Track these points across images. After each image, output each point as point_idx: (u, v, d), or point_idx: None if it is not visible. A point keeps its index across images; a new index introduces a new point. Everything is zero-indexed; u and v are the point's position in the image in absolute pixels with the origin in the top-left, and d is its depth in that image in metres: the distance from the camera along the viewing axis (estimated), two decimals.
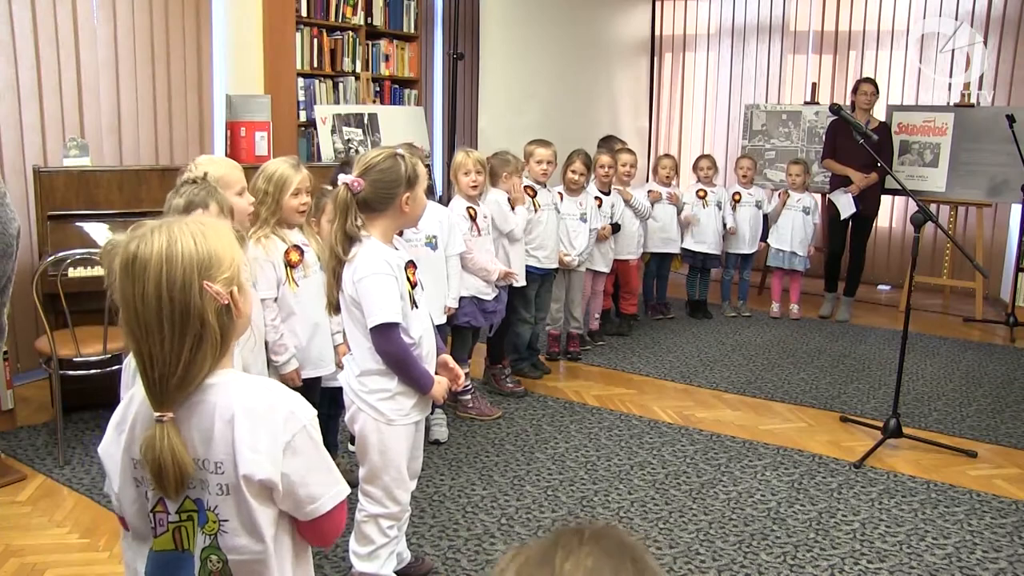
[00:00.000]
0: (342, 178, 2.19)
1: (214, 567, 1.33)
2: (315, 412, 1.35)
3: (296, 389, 2.77)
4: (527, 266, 4.32)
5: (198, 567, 1.33)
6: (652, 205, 5.58)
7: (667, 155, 5.89)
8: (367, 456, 2.33)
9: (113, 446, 1.36)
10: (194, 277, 1.26)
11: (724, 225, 5.84)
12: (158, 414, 1.27)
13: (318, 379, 2.90)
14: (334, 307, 2.30)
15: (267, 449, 1.28)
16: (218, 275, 1.28)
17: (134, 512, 1.37)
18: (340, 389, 3.16)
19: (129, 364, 1.80)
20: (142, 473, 1.32)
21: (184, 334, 1.25)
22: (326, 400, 3.09)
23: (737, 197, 5.89)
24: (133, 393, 1.35)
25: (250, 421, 1.28)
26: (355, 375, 2.30)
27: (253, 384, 1.34)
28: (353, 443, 3.50)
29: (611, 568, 0.74)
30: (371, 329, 2.21)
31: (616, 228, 5.05)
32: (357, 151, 5.29)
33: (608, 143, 5.70)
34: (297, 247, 2.74)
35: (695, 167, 5.92)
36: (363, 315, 2.22)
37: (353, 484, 3.14)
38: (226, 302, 1.29)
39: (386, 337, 2.22)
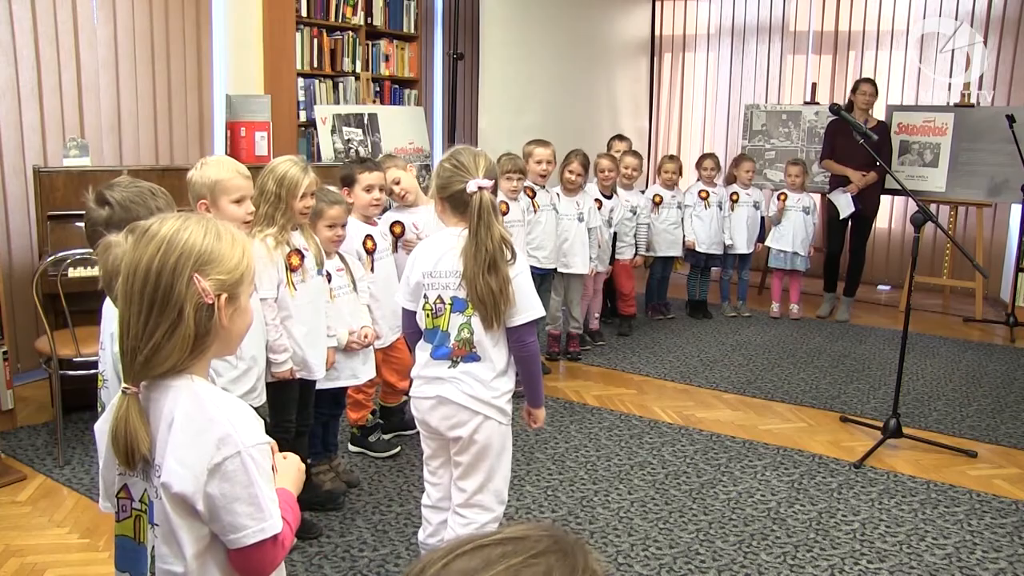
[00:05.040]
0: (480, 183, 2.16)
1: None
2: (265, 440, 1.31)
3: (292, 391, 2.79)
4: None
5: (149, 563, 1.34)
6: (656, 208, 5.59)
7: (671, 157, 5.86)
8: (484, 463, 2.28)
9: (106, 423, 1.40)
10: (187, 265, 1.27)
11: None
12: (124, 386, 1.30)
13: (312, 383, 2.89)
14: (500, 321, 2.22)
15: (192, 464, 1.26)
16: (212, 273, 1.29)
17: (111, 494, 1.41)
18: (342, 390, 3.19)
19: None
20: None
21: (161, 316, 1.27)
22: (327, 401, 3.10)
23: (735, 197, 5.88)
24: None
25: (184, 432, 1.27)
26: (487, 381, 2.25)
27: (205, 396, 1.31)
28: (354, 444, 3.53)
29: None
30: (524, 325, 2.23)
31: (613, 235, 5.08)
32: (357, 151, 5.29)
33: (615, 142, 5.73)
34: (298, 251, 2.73)
35: (698, 166, 5.90)
36: (505, 313, 2.22)
37: (352, 484, 3.17)
38: (209, 301, 1.29)
39: (532, 331, 2.27)
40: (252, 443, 1.29)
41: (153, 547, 1.33)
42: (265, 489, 1.30)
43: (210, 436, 1.26)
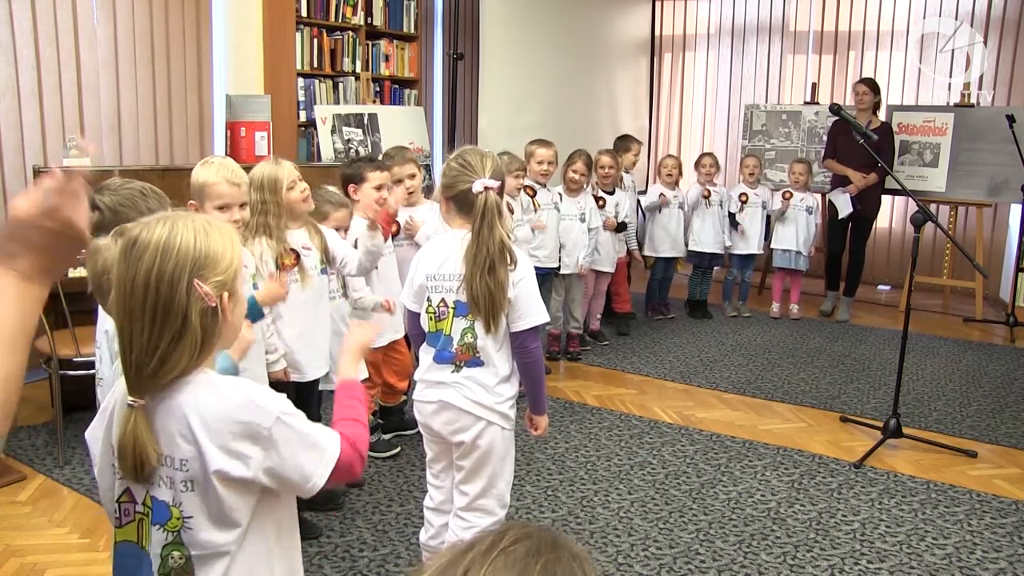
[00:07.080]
0: (485, 183, 2.13)
1: (176, 563, 1.34)
2: (283, 395, 1.36)
3: (287, 394, 2.78)
4: None
5: (157, 564, 1.35)
6: (660, 209, 5.58)
7: (670, 155, 5.87)
8: (486, 468, 2.27)
9: (98, 429, 1.40)
10: (184, 273, 1.27)
11: (734, 224, 5.83)
12: (130, 399, 1.29)
13: (314, 383, 2.88)
14: (498, 325, 2.19)
15: (242, 452, 1.29)
16: (211, 276, 1.29)
17: (108, 499, 1.41)
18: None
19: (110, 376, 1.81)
20: (114, 460, 1.35)
21: (164, 327, 1.27)
22: (318, 400, 3.08)
23: (744, 198, 5.87)
24: (120, 381, 1.37)
25: (218, 422, 1.29)
26: (491, 387, 2.23)
27: (222, 385, 1.33)
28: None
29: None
30: (527, 330, 2.20)
31: (622, 226, 5.05)
32: (357, 151, 5.29)
33: (623, 142, 5.69)
34: (294, 251, 2.71)
35: (697, 165, 5.90)
36: (508, 317, 2.19)
37: (352, 484, 3.17)
38: (213, 304, 1.29)
39: (536, 337, 2.24)
40: (280, 405, 1.33)
41: (164, 547, 1.34)
42: (309, 428, 1.35)
43: (246, 419, 1.29)
